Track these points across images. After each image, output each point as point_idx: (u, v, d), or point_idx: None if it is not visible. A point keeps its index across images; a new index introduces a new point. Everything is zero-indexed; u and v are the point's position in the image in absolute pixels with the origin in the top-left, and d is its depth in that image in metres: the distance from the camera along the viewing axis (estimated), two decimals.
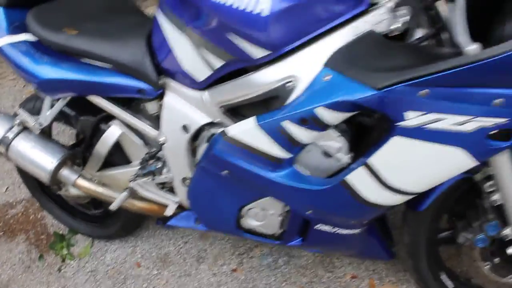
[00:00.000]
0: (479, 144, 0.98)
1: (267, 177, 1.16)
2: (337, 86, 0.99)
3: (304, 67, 1.04)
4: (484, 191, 1.19)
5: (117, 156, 1.54)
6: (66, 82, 1.36)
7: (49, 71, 1.36)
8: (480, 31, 0.95)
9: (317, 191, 1.14)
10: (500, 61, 0.85)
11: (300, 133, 1.07)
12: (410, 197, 1.11)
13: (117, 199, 1.49)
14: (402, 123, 0.97)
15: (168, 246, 1.83)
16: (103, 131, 1.48)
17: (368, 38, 1.01)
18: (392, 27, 1.01)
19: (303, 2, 1.00)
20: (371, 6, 1.00)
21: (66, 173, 1.50)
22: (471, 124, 0.94)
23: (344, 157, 1.13)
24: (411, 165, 1.04)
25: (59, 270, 1.84)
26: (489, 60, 0.84)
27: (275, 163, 1.14)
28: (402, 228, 1.35)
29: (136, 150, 1.49)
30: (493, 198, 1.18)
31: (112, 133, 1.46)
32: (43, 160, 1.47)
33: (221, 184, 1.26)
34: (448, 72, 0.88)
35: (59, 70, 1.36)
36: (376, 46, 1.01)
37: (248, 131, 1.12)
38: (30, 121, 1.46)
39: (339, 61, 1.01)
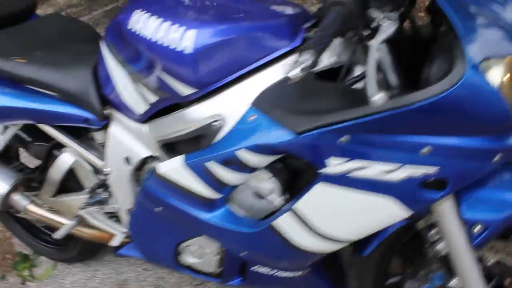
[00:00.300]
0: (410, 194, 0.92)
1: (198, 217, 1.12)
2: (260, 128, 0.95)
3: (231, 106, 1.01)
4: (428, 240, 1.13)
5: (72, 182, 1.52)
6: (13, 109, 1.36)
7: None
8: (415, 73, 0.91)
9: (248, 233, 1.09)
10: (408, 111, 0.80)
11: (225, 174, 1.03)
12: (345, 244, 1.06)
13: (64, 227, 1.47)
14: (324, 170, 0.92)
15: (128, 272, 1.80)
16: (56, 157, 1.46)
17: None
18: (322, 65, 0.97)
19: (228, 39, 0.97)
20: (304, 43, 0.96)
21: (18, 199, 1.49)
22: (399, 173, 0.89)
23: (277, 199, 1.08)
24: (338, 212, 0.99)
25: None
26: (395, 110, 0.80)
27: (206, 203, 1.10)
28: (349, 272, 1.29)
29: (88, 178, 1.46)
30: (438, 248, 1.11)
31: (65, 160, 1.44)
32: None
33: (157, 220, 1.22)
34: (366, 119, 0.84)
35: (6, 97, 1.36)
36: (305, 86, 0.96)
37: (176, 170, 1.08)
38: None
39: (265, 101, 0.97)
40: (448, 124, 0.83)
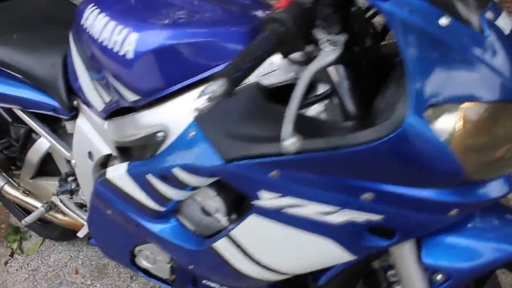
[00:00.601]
0: (353, 239, 0.83)
1: (145, 227, 1.07)
2: (197, 146, 0.87)
3: (176, 118, 0.93)
4: (387, 280, 1.02)
5: (51, 166, 1.50)
6: None
7: None
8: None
9: (192, 250, 1.03)
10: (340, 154, 0.70)
11: (165, 189, 0.96)
12: (289, 275, 0.98)
13: (34, 213, 1.47)
14: (257, 202, 0.84)
15: None
16: (34, 141, 1.45)
17: (246, 93, 0.86)
18: (279, 80, 0.87)
19: (173, 45, 0.88)
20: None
21: None
22: (339, 216, 0.80)
23: (223, 219, 1.00)
24: (276, 246, 0.91)
25: (6, 263, 1.87)
26: (325, 153, 0.70)
27: (153, 214, 1.04)
28: None
29: (63, 165, 1.44)
30: None
31: (41, 144, 1.43)
32: None
33: (111, 221, 1.18)
34: (295, 156, 0.74)
35: None
36: (251, 104, 0.87)
37: (121, 177, 1.03)
38: None
39: (207, 118, 0.88)
40: (391, 172, 0.72)
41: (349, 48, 0.78)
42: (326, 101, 0.88)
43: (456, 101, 0.65)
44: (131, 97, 0.96)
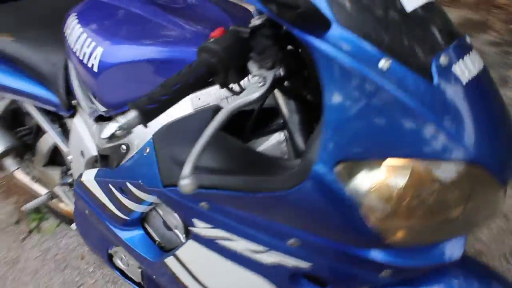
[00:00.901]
0: (285, 282, 0.80)
1: (114, 232, 1.10)
2: (147, 165, 0.88)
3: (138, 133, 0.94)
4: None
5: (59, 157, 1.58)
6: None
7: None
8: None
9: (151, 261, 1.05)
10: (253, 197, 0.67)
11: (124, 201, 0.98)
12: None
13: (35, 200, 1.55)
14: (192, 229, 0.83)
15: None
16: (44, 132, 1.53)
17: (201, 116, 0.85)
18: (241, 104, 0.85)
19: (135, 62, 0.89)
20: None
21: (9, 163, 1.60)
22: (268, 256, 0.77)
23: (180, 236, 1.01)
24: (214, 272, 0.89)
25: (23, 240, 2.00)
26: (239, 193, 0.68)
27: (120, 220, 1.07)
28: None
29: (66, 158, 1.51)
30: None
31: (49, 136, 1.50)
32: None
33: (89, 219, 1.23)
34: (218, 191, 0.72)
35: None
36: (203, 129, 0.85)
37: (90, 181, 1.06)
38: None
39: (163, 137, 0.89)
40: (310, 222, 0.68)
41: (293, 83, 0.74)
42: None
43: (378, 157, 0.59)
44: (100, 107, 0.98)
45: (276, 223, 0.72)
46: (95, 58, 0.91)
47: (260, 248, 0.76)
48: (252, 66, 0.68)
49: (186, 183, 0.61)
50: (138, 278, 1.27)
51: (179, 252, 0.92)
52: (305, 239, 0.71)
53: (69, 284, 1.77)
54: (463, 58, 0.62)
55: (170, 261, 0.97)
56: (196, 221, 0.81)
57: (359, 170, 0.60)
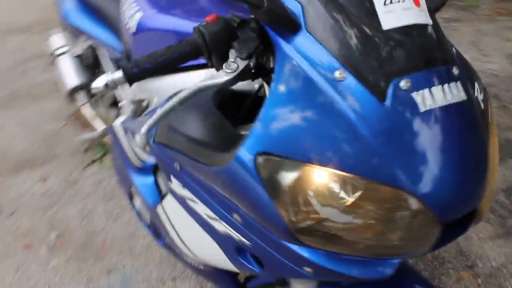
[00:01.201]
0: (233, 253, 0.86)
1: (130, 174, 1.25)
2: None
3: (158, 93, 1.06)
4: None
5: None
6: (79, 30, 1.65)
7: (74, 18, 1.65)
8: None
9: (150, 207, 1.18)
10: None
11: (137, 150, 1.11)
12: (210, 265, 1.06)
13: (88, 134, 1.77)
14: (169, 184, 0.94)
15: None
16: None
17: (203, 93, 0.93)
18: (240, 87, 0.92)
19: (165, 30, 1.00)
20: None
21: (80, 97, 1.84)
22: (220, 225, 0.84)
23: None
24: (187, 229, 0.99)
25: (85, 167, 2.28)
26: None
27: (135, 166, 1.21)
28: None
29: None
30: None
31: None
32: (68, 78, 1.82)
33: (119, 159, 1.39)
34: (181, 156, 0.81)
35: (79, 20, 1.64)
36: (202, 101, 0.92)
37: (117, 127, 1.21)
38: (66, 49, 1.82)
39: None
40: (241, 203, 0.72)
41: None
42: None
43: (299, 159, 0.61)
44: None
45: (224, 196, 0.78)
46: (134, 21, 1.04)
47: (214, 216, 0.84)
48: (231, 53, 0.74)
49: (138, 138, 0.72)
50: (148, 221, 1.42)
51: (164, 203, 1.03)
52: (244, 217, 0.75)
53: (108, 214, 2.01)
54: (431, 87, 0.61)
55: (159, 210, 1.09)
56: (172, 178, 0.91)
57: (278, 166, 0.63)
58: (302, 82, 0.62)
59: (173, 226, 1.05)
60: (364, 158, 0.60)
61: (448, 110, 0.61)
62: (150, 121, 0.72)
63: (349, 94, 0.60)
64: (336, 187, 0.61)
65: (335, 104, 0.60)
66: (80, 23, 1.66)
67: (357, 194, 0.61)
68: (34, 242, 1.88)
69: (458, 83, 0.64)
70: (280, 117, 0.62)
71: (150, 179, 1.20)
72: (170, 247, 1.32)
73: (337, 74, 0.60)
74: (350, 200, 0.62)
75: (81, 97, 1.84)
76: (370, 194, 0.61)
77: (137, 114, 1.14)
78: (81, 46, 1.80)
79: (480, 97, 0.71)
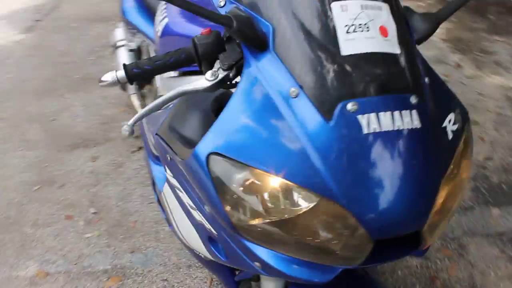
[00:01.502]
0: (205, 241, 0.93)
1: (149, 162, 1.37)
2: (164, 115, 1.11)
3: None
4: None
5: None
6: (135, 27, 1.80)
7: (132, 16, 1.82)
8: None
9: (159, 190, 1.28)
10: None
11: (151, 138, 1.23)
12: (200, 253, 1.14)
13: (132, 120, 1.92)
14: (166, 174, 1.03)
15: None
16: None
17: (208, 95, 1.03)
18: None
19: (185, 36, 1.11)
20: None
21: (131, 87, 2.01)
22: (197, 214, 0.91)
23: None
24: (178, 215, 1.06)
25: (133, 152, 2.46)
26: None
27: (152, 154, 1.33)
28: None
29: None
30: None
31: None
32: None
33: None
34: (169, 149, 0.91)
35: (135, 18, 1.79)
36: (203, 101, 1.01)
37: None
38: (124, 42, 2.00)
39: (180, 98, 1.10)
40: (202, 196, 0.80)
41: None
42: None
43: (246, 162, 0.68)
44: None
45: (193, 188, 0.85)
46: (161, 25, 1.16)
47: (193, 205, 0.91)
48: (216, 63, 0.82)
49: (124, 128, 0.82)
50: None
51: (165, 190, 1.13)
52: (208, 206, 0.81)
53: (143, 198, 2.16)
54: (379, 112, 0.65)
55: (162, 195, 1.19)
56: (166, 168, 1.01)
57: (227, 167, 0.70)
58: (260, 95, 0.69)
59: (171, 212, 1.14)
60: (307, 171, 0.65)
61: (394, 135, 0.64)
62: (137, 116, 0.82)
63: (300, 111, 0.66)
64: (277, 194, 0.67)
65: (287, 118, 0.67)
66: (136, 21, 1.82)
67: (297, 203, 0.67)
68: (75, 214, 2.08)
69: (414, 112, 0.67)
70: (235, 123, 0.70)
71: (162, 167, 1.31)
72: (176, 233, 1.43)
73: (291, 91, 0.67)
74: (288, 208, 0.67)
75: (132, 87, 2.01)
76: (309, 205, 0.66)
77: None
78: (135, 42, 1.97)
79: (451, 127, 0.73)
